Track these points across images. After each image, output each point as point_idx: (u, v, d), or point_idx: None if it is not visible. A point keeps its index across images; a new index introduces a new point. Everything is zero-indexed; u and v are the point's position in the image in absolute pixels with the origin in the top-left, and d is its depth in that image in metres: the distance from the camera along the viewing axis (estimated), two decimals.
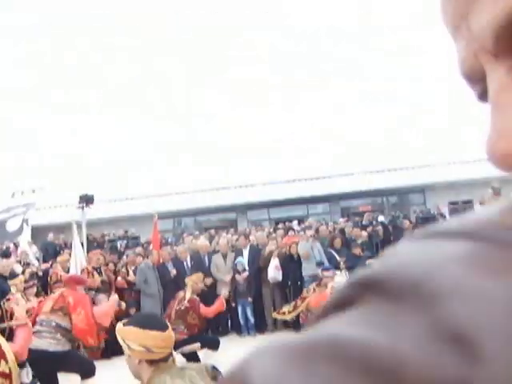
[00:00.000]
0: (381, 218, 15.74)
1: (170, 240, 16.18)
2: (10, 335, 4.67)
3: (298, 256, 10.14)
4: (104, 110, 28.98)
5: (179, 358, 6.36)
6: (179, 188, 21.67)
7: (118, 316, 7.65)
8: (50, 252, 15.06)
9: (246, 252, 10.51)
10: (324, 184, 20.52)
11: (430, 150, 20.91)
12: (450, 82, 16.49)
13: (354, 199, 22.13)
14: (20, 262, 11.02)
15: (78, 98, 29.31)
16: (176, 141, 25.64)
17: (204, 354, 7.41)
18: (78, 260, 9.29)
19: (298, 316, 9.68)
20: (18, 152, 28.69)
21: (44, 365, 5.42)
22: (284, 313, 7.99)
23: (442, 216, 13.82)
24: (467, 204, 17.14)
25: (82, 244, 10.44)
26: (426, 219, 14.42)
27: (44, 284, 9.55)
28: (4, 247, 15.48)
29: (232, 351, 8.57)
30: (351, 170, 20.95)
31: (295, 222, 16.65)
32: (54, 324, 5.66)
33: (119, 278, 10.16)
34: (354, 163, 21.18)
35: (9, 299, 5.46)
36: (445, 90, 22.09)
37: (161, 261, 10.54)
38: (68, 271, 9.54)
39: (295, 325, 9.92)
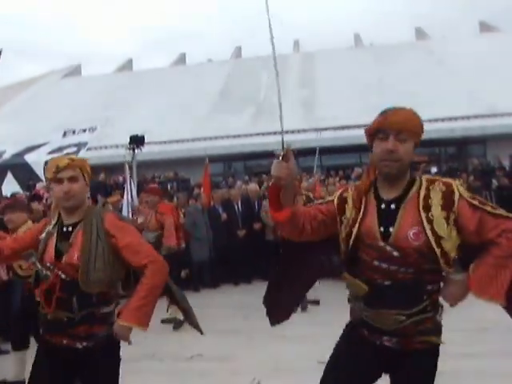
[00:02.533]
0: (433, 170, 15.45)
1: (220, 184, 16.36)
2: None
3: None
4: None
5: None
6: (230, 131, 21.76)
7: None
8: (101, 192, 15.47)
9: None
10: None
11: (493, 99, 20.22)
12: None
13: None
14: None
15: None
16: None
17: None
18: (130, 200, 9.56)
19: None
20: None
21: None
22: None
23: (503, 169, 13.38)
24: None
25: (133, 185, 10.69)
26: (485, 172, 14.07)
27: None
28: None
29: None
30: None
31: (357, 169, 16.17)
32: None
33: None
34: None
35: None
36: None
37: (211, 203, 10.73)
38: (120, 211, 9.85)
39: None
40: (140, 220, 7.62)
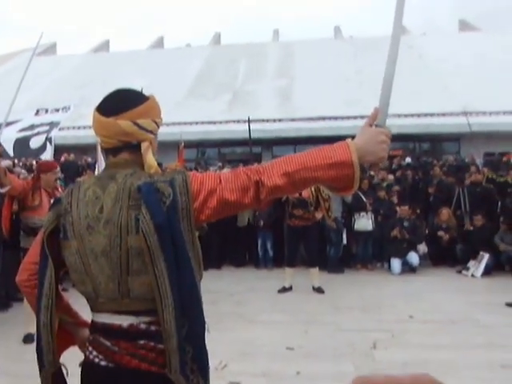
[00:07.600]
0: (408, 160, 15.52)
1: (193, 170, 16.22)
2: None
3: None
4: None
5: None
6: (205, 118, 21.55)
7: None
8: (71, 172, 15.24)
9: None
10: (352, 124, 20.23)
11: (470, 97, 20.42)
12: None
13: None
14: None
15: None
16: None
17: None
18: None
19: (319, 253, 9.48)
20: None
21: None
22: None
23: (475, 166, 13.48)
24: (504, 156, 16.83)
25: None
26: (458, 167, 14.19)
27: None
28: (27, 164, 15.73)
29: (248, 282, 8.78)
30: None
31: None
32: None
33: None
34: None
35: None
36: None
37: None
38: None
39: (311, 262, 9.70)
40: None
